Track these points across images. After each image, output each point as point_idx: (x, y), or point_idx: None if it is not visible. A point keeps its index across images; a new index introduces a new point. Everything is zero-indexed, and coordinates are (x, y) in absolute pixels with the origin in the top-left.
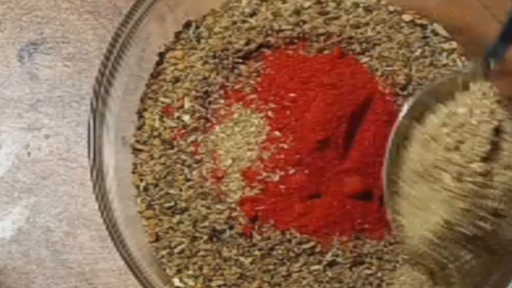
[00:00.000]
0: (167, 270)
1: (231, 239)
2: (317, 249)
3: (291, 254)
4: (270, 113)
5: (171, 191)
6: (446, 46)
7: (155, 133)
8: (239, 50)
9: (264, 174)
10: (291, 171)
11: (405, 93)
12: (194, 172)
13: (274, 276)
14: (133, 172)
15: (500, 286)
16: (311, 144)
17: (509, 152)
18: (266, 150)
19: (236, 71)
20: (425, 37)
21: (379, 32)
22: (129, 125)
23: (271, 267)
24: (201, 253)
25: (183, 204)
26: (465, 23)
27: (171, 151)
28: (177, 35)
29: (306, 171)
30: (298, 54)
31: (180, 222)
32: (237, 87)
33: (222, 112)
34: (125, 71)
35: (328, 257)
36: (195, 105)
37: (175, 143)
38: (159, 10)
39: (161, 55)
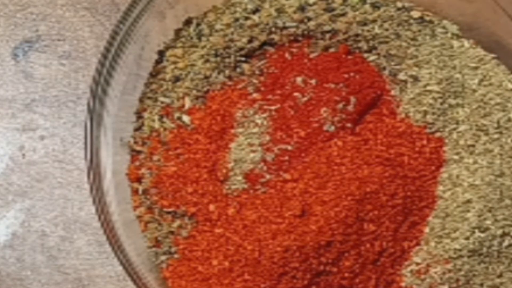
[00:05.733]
0: None
1: None
2: None
3: None
4: (273, 113)
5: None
6: (456, 43)
7: (155, 134)
8: (241, 48)
9: (268, 176)
10: (296, 173)
11: (414, 92)
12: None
13: None
14: (132, 174)
15: None
16: (316, 145)
17: None
18: (270, 152)
19: (238, 69)
20: (434, 35)
21: (386, 29)
22: (127, 125)
23: None
24: None
25: (184, 208)
26: (475, 19)
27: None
28: (177, 32)
29: (312, 173)
30: (302, 52)
31: (180, 226)
32: (239, 86)
33: None
34: (123, 70)
35: None
36: (196, 105)
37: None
38: (158, 6)
39: (161, 53)
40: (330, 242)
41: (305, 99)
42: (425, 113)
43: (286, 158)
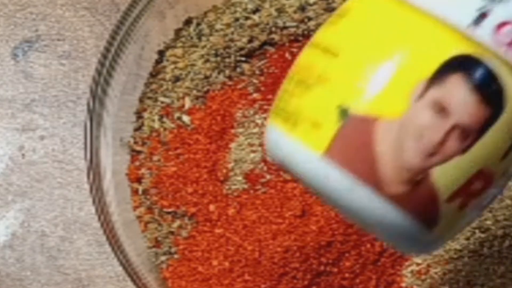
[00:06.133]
0: None
1: None
2: None
3: None
4: None
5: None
6: None
7: (155, 134)
8: (241, 48)
9: (268, 176)
10: None
11: None
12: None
13: None
14: (132, 175)
15: None
16: None
17: None
18: None
19: (238, 69)
20: None
21: None
22: (127, 125)
23: None
24: None
25: (184, 208)
26: None
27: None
28: (177, 32)
29: None
30: None
31: (180, 226)
32: (239, 86)
33: None
34: (123, 70)
35: None
36: (196, 105)
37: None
38: (158, 6)
39: (161, 53)
40: (330, 242)
41: None
42: None
43: None
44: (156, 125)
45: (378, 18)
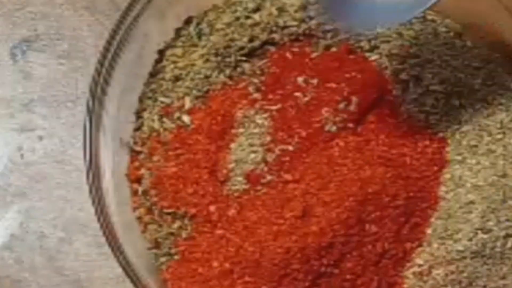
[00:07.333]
0: None
1: None
2: None
3: None
4: (274, 113)
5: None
6: (458, 42)
7: (154, 134)
8: (242, 48)
9: (269, 177)
10: (297, 174)
11: (416, 92)
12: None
13: None
14: (131, 175)
15: None
16: (318, 145)
17: None
18: (271, 152)
19: (239, 69)
20: (437, 34)
21: (388, 28)
22: (127, 126)
23: None
24: None
25: (184, 209)
26: (478, 18)
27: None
28: (178, 31)
29: (313, 173)
30: (304, 51)
31: (180, 227)
32: (240, 86)
33: None
34: (122, 70)
35: None
36: (196, 105)
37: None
38: (158, 5)
39: (161, 52)
40: (331, 244)
41: (306, 99)
42: (428, 113)
43: (287, 158)
44: (156, 125)
45: None
